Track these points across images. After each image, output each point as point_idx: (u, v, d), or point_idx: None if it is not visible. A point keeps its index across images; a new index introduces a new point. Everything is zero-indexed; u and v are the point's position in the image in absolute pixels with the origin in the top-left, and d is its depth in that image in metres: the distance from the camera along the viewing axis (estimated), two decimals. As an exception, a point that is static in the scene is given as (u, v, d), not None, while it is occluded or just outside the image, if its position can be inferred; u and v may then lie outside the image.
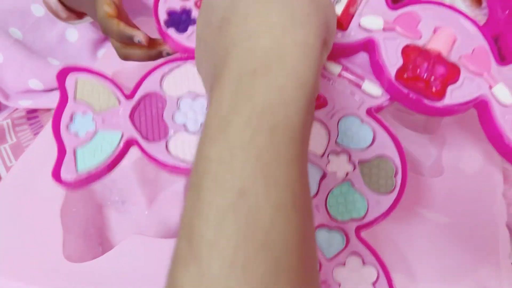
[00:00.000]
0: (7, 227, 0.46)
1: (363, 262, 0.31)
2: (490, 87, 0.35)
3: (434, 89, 0.34)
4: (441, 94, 0.34)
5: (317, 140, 0.35)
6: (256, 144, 0.20)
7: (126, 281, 0.40)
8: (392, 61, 0.35)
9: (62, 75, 0.36)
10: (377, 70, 0.36)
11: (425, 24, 0.37)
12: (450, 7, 0.38)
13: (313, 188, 0.33)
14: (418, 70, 0.35)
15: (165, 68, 0.37)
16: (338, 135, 0.35)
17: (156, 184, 0.54)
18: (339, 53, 0.37)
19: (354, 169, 0.34)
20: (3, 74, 0.69)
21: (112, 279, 0.41)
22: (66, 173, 0.35)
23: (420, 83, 0.34)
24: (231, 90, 0.21)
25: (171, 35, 0.38)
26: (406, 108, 0.36)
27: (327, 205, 0.32)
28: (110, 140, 0.34)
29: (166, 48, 0.41)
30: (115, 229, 0.54)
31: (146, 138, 0.35)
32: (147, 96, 0.36)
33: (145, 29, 0.42)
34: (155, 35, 0.41)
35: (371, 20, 0.37)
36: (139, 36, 0.41)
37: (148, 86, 0.36)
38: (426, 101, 0.34)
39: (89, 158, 0.34)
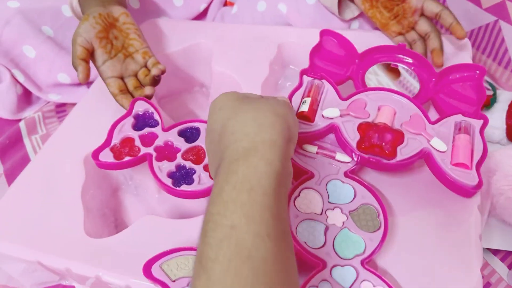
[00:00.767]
0: (35, 203, 0.51)
1: (373, 285, 0.39)
2: (428, 141, 0.46)
3: (387, 151, 0.45)
4: (393, 154, 0.45)
5: (315, 203, 0.45)
6: (240, 199, 0.32)
7: (138, 256, 0.43)
8: (352, 137, 0.47)
9: (147, 271, 0.41)
10: (343, 145, 0.48)
11: (370, 106, 0.50)
12: (386, 89, 0.51)
13: (321, 239, 0.42)
14: (372, 140, 0.46)
15: None
16: (328, 196, 0.45)
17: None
18: (313, 138, 0.49)
19: (347, 218, 0.43)
20: (35, 68, 0.74)
21: (126, 254, 0.45)
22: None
23: (376, 148, 0.46)
24: (224, 172, 0.34)
25: (186, 190, 0.48)
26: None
27: (335, 249, 0.42)
28: None
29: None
30: (129, 211, 0.58)
31: None
32: None
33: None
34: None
35: (330, 111, 0.49)
36: (78, 75, 0.55)
37: None
38: (384, 161, 0.46)
39: None
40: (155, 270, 0.41)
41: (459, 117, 0.48)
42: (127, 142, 0.52)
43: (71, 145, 0.56)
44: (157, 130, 0.53)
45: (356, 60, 0.57)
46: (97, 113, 0.60)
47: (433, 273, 0.42)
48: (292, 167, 0.38)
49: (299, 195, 0.45)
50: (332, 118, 0.49)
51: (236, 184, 0.33)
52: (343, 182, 0.46)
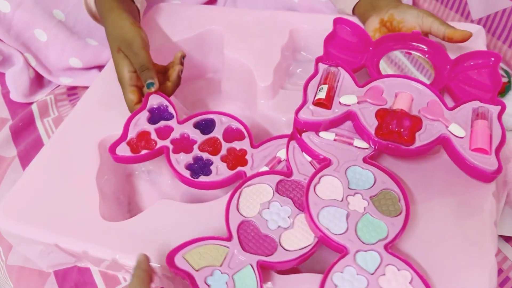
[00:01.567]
0: (50, 187, 0.51)
1: (398, 269, 0.39)
2: (446, 127, 0.46)
3: (405, 137, 0.46)
4: (411, 140, 0.46)
5: (335, 190, 0.45)
6: None
7: (154, 239, 0.44)
8: (370, 123, 0.47)
9: (171, 261, 0.41)
10: (361, 132, 0.48)
11: (387, 92, 0.50)
12: (402, 76, 0.51)
13: (343, 226, 0.41)
14: (390, 126, 0.47)
15: (234, 201, 0.45)
16: (348, 182, 0.45)
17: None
18: (330, 125, 0.49)
19: (368, 204, 0.44)
20: (47, 52, 0.74)
21: (142, 237, 0.45)
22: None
23: (394, 135, 0.46)
24: None
25: (204, 180, 0.48)
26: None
27: (358, 235, 0.41)
28: (248, 277, 0.40)
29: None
30: (143, 196, 0.58)
31: (266, 254, 0.42)
32: (239, 229, 0.43)
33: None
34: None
35: (347, 98, 0.49)
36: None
37: (234, 221, 0.44)
38: (403, 147, 0.46)
39: None
40: (178, 260, 0.41)
41: (476, 103, 0.48)
42: (143, 135, 0.52)
43: (85, 130, 0.56)
44: (173, 123, 0.53)
45: (370, 48, 0.57)
46: (109, 96, 0.60)
47: (449, 258, 0.42)
48: None
49: (319, 182, 0.45)
50: (349, 105, 0.49)
51: None
52: (362, 168, 0.46)
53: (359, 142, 0.48)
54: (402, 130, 0.46)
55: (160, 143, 0.51)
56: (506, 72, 0.67)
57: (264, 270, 0.41)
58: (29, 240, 0.48)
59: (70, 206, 0.49)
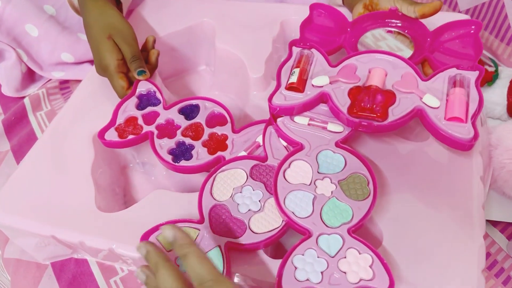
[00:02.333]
0: (46, 180, 0.51)
1: (359, 253, 0.38)
2: (420, 99, 0.44)
3: (378, 113, 0.44)
4: (384, 115, 0.44)
5: (304, 174, 0.44)
6: None
7: (148, 228, 0.43)
8: (343, 103, 0.46)
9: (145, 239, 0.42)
10: (335, 112, 0.46)
11: (361, 70, 0.48)
12: (376, 51, 0.49)
13: (309, 209, 0.41)
14: (363, 103, 0.45)
15: (208, 186, 0.45)
16: (318, 166, 0.44)
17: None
18: (304, 108, 0.48)
19: (336, 188, 0.42)
20: (38, 47, 0.73)
21: (138, 227, 0.44)
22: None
23: (367, 112, 0.44)
24: None
25: (185, 165, 0.49)
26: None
27: (322, 218, 0.40)
28: (216, 257, 0.40)
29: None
30: (137, 188, 0.59)
31: (236, 237, 0.42)
32: (211, 212, 0.44)
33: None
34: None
35: (319, 79, 0.47)
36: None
37: (207, 205, 0.44)
38: (375, 123, 0.44)
39: None
40: (152, 241, 0.41)
41: (453, 71, 0.46)
42: (131, 121, 0.53)
43: (79, 123, 0.57)
44: (159, 108, 0.54)
45: (348, 29, 0.56)
46: (102, 89, 0.60)
47: (435, 243, 0.42)
48: None
49: (289, 167, 0.44)
50: (321, 86, 0.48)
51: None
52: (334, 152, 0.45)
53: (332, 126, 0.47)
54: (374, 106, 0.45)
55: (146, 128, 0.52)
56: (493, 61, 0.66)
57: (234, 253, 0.41)
58: (26, 232, 0.48)
59: (65, 198, 0.49)
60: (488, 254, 0.51)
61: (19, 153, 0.66)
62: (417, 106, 0.44)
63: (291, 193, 0.42)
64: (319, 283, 0.37)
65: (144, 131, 0.52)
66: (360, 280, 0.37)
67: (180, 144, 0.51)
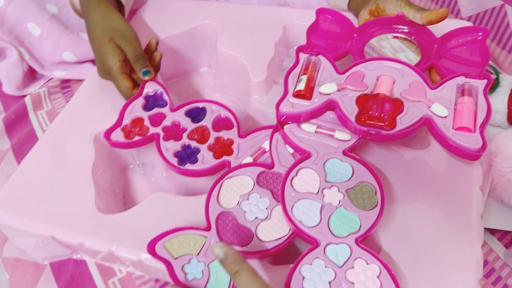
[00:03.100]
0: (46, 180, 0.51)
1: (367, 263, 0.38)
2: (429, 108, 0.44)
3: (386, 122, 0.44)
4: (392, 124, 0.43)
5: (312, 182, 0.44)
6: None
7: (150, 231, 0.43)
8: (350, 111, 0.46)
9: (151, 249, 0.42)
10: (342, 120, 0.46)
11: (369, 77, 0.48)
12: (384, 58, 0.49)
13: (316, 218, 0.41)
14: (371, 112, 0.45)
15: (215, 192, 0.45)
16: (326, 175, 0.44)
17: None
18: (311, 116, 0.48)
19: (344, 197, 0.42)
20: (40, 46, 0.73)
21: (138, 229, 0.45)
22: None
23: (375, 120, 0.44)
24: None
25: (190, 168, 0.49)
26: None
27: (330, 228, 0.40)
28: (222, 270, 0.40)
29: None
30: (137, 189, 0.58)
31: (242, 245, 0.42)
32: (218, 220, 0.44)
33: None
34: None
35: (326, 87, 0.47)
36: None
37: (214, 212, 0.44)
38: (384, 132, 0.44)
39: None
40: (159, 248, 0.42)
41: (461, 79, 0.46)
42: (137, 122, 0.54)
43: (80, 123, 0.57)
44: (166, 110, 0.54)
45: (355, 35, 0.56)
46: (104, 90, 0.60)
47: (434, 252, 0.42)
48: None
49: (296, 175, 0.44)
50: (329, 94, 0.48)
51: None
52: (341, 160, 0.45)
53: (340, 134, 0.46)
54: (382, 114, 0.45)
55: (152, 130, 0.53)
56: (494, 69, 0.66)
57: None
58: (25, 232, 0.48)
59: (65, 199, 0.49)
60: (485, 262, 0.51)
61: (19, 152, 0.66)
62: (425, 115, 0.44)
63: (299, 201, 0.42)
64: None
65: (150, 132, 0.52)
66: None
67: (186, 147, 0.51)
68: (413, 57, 0.53)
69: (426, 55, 0.52)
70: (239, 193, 0.45)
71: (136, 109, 0.54)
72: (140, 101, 0.55)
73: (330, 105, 0.48)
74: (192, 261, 0.41)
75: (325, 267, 0.39)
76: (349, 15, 0.61)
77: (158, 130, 0.52)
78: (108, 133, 0.53)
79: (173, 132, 0.52)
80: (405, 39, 0.55)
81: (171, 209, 0.48)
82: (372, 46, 0.54)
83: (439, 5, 0.74)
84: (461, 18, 0.72)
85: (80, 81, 0.74)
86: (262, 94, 0.59)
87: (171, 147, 0.51)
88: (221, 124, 0.53)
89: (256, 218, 0.43)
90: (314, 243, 0.40)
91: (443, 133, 0.43)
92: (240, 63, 0.61)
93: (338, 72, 0.50)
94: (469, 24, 0.59)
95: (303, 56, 0.52)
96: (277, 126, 0.49)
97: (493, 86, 0.63)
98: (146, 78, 0.56)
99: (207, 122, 0.53)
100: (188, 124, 0.53)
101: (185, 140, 0.51)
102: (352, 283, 0.38)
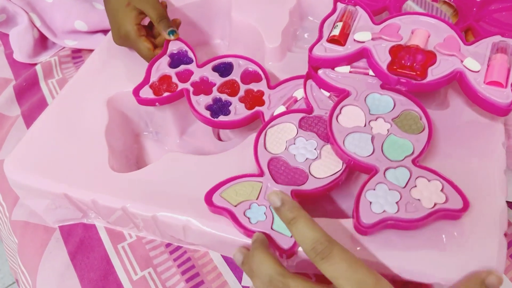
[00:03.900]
0: (59, 139, 0.51)
1: (428, 180, 0.40)
2: (461, 62, 0.45)
3: (417, 72, 0.45)
4: (423, 74, 0.45)
5: (357, 117, 0.45)
6: None
7: (164, 188, 0.43)
8: (382, 59, 0.47)
9: (209, 201, 0.42)
10: (374, 68, 0.47)
11: (404, 29, 0.49)
12: (421, 14, 0.49)
13: (369, 148, 0.42)
14: (403, 61, 0.46)
15: (261, 141, 0.46)
16: (369, 109, 0.46)
17: (187, 118, 0.59)
18: (344, 61, 0.49)
19: (391, 126, 0.44)
20: (52, 13, 0.72)
21: (152, 186, 0.45)
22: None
23: (406, 69, 0.45)
24: None
25: (224, 120, 0.50)
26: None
27: (385, 154, 0.42)
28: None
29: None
30: (150, 156, 0.59)
31: (298, 184, 0.43)
32: (269, 165, 0.44)
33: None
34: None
35: (361, 35, 0.49)
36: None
37: (264, 159, 0.44)
38: (414, 81, 0.45)
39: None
40: (216, 199, 0.42)
41: (497, 38, 0.46)
42: (165, 79, 0.54)
43: (93, 87, 0.56)
44: (192, 67, 0.55)
45: (393, -7, 0.56)
46: (117, 55, 0.60)
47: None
48: None
49: (340, 113, 0.46)
50: (363, 42, 0.48)
51: None
52: (381, 94, 0.47)
53: (374, 71, 0.48)
54: (414, 64, 0.45)
55: (181, 86, 0.53)
56: None
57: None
58: (38, 190, 0.48)
59: (79, 158, 0.49)
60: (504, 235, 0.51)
61: (29, 118, 0.66)
62: (457, 68, 0.45)
63: (349, 135, 0.44)
64: (396, 212, 0.38)
65: (179, 88, 0.53)
66: (435, 204, 0.38)
67: (217, 100, 0.52)
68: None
69: (463, 18, 0.52)
70: (285, 139, 0.46)
71: (163, 67, 0.55)
72: (165, 59, 0.55)
73: (363, 53, 0.48)
74: (252, 206, 0.42)
75: (389, 189, 0.40)
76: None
77: (187, 85, 0.53)
78: (136, 90, 0.52)
79: (203, 87, 0.53)
80: (444, 2, 0.54)
81: (184, 167, 0.48)
82: (410, 4, 0.54)
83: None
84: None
85: (91, 51, 0.74)
86: (276, 61, 0.59)
87: (202, 101, 0.51)
88: (250, 77, 0.54)
89: (307, 159, 0.44)
90: (373, 170, 0.41)
91: (473, 87, 0.44)
92: (255, 30, 0.61)
93: (374, 22, 0.50)
94: None
95: (340, 5, 0.52)
96: (309, 72, 0.50)
97: None
98: (172, 37, 0.56)
99: (235, 76, 0.53)
100: (216, 78, 0.53)
101: (215, 93, 0.52)
102: (419, 199, 0.39)
